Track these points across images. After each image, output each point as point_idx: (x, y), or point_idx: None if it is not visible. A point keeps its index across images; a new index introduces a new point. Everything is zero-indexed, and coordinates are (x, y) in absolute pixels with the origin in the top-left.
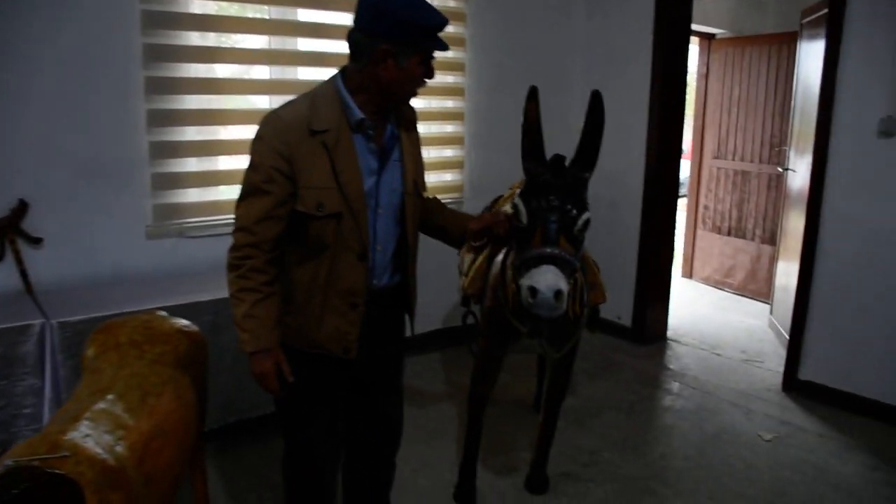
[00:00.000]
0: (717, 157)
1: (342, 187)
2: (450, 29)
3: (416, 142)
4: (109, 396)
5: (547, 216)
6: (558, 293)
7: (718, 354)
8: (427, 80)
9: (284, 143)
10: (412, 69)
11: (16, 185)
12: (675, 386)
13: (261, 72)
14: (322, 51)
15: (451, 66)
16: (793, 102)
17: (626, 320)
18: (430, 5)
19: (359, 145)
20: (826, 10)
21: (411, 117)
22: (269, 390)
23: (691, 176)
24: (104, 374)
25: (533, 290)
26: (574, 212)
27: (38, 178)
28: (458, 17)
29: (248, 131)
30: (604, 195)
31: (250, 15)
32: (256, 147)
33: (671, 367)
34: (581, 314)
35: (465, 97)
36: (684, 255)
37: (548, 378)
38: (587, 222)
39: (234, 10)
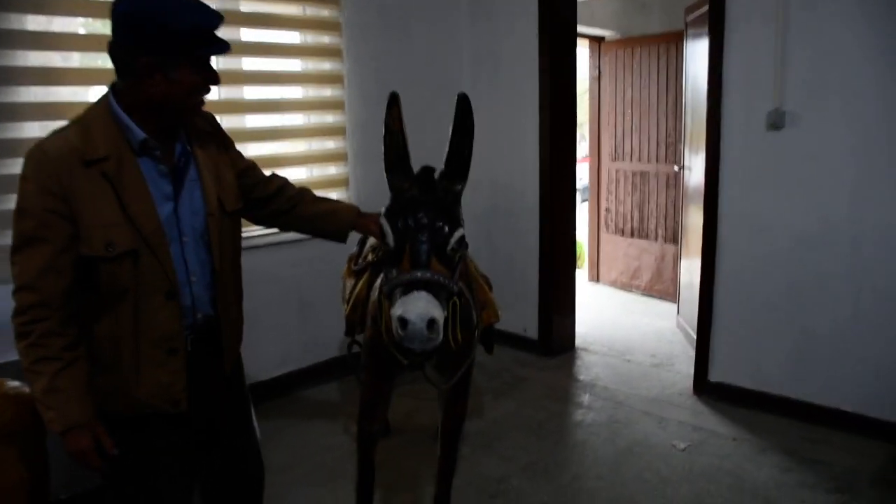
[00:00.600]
0: (615, 160)
1: (133, 221)
2: (325, 39)
3: (215, 154)
4: None
5: (415, 236)
6: (431, 322)
7: (628, 361)
8: (213, 86)
9: (55, 179)
10: (186, 79)
11: None
12: (585, 398)
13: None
14: None
15: (328, 79)
16: (684, 101)
17: (532, 332)
18: (191, 4)
19: (147, 170)
20: (707, 8)
21: (203, 126)
22: (91, 469)
23: (591, 179)
24: None
25: (403, 321)
26: (446, 229)
27: None
28: (333, 26)
29: None
30: (500, 205)
31: None
32: (23, 189)
33: (581, 378)
34: (471, 338)
35: (346, 111)
36: (590, 259)
37: (442, 409)
38: (462, 240)
39: None
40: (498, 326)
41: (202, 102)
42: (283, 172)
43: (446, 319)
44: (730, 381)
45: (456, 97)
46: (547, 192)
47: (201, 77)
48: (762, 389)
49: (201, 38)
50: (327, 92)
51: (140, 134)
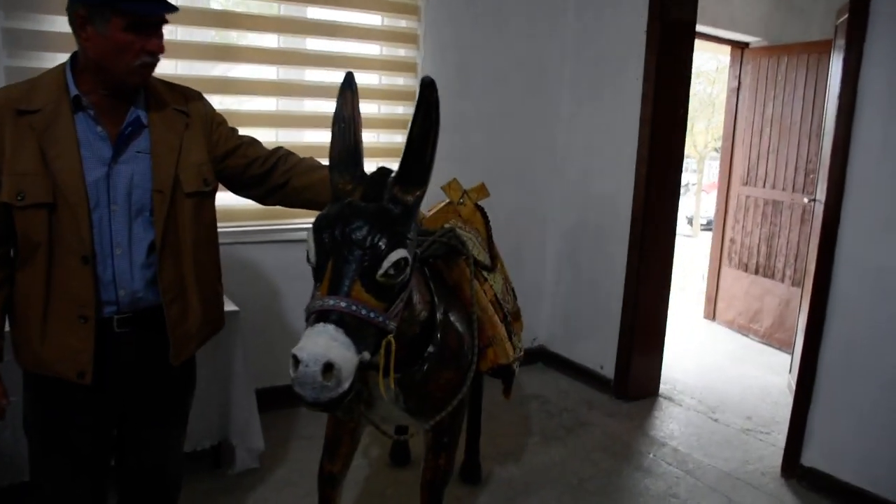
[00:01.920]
0: (746, 184)
1: (55, 175)
2: (401, 23)
3: (184, 131)
4: None
5: (338, 254)
6: (328, 368)
7: (716, 420)
8: (154, 53)
9: None
10: (115, 36)
11: None
12: (647, 458)
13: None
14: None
15: (399, 67)
16: (823, 121)
17: (609, 371)
18: None
19: (83, 129)
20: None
21: (174, 102)
22: None
23: (718, 204)
24: None
25: (295, 361)
26: (380, 248)
27: None
28: (409, 9)
29: None
30: (589, 221)
31: None
32: None
33: (652, 432)
34: (460, 380)
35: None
36: (707, 293)
37: (424, 458)
38: (400, 264)
39: None
40: (573, 359)
41: (145, 69)
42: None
43: (371, 363)
44: (827, 468)
45: (576, 102)
46: (641, 211)
47: (133, 38)
48: (867, 489)
49: None
50: (399, 80)
51: (73, 90)
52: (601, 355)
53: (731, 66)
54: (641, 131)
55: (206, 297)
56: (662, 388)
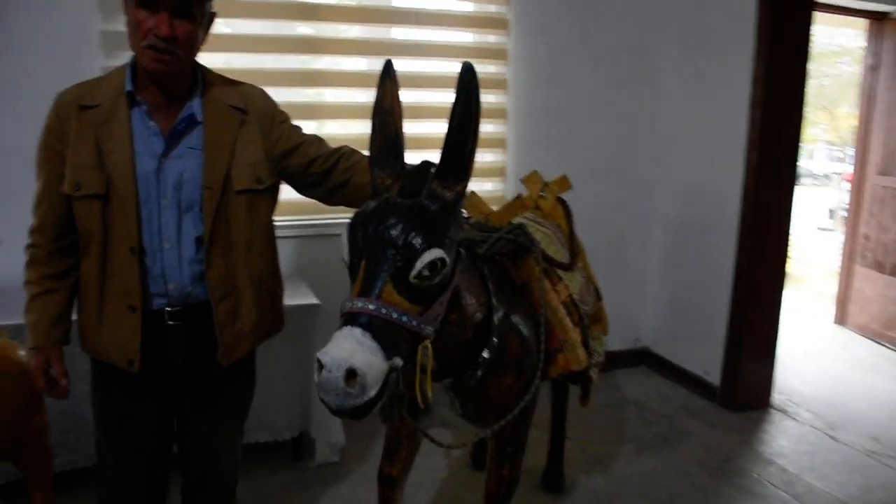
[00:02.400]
0: (883, 174)
1: (108, 168)
2: (490, 8)
3: (240, 128)
4: None
5: (370, 253)
6: (351, 374)
7: (836, 439)
8: (161, 36)
9: (57, 120)
10: (131, 13)
11: None
12: (750, 478)
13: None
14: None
15: (488, 54)
16: None
17: (714, 377)
18: None
19: (137, 124)
20: None
21: (231, 100)
22: (39, 388)
23: (851, 196)
24: None
25: (318, 365)
26: (414, 248)
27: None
28: None
29: None
30: (693, 215)
31: None
32: (43, 126)
33: (760, 448)
34: (524, 386)
35: (509, 91)
36: (838, 295)
37: (487, 467)
38: (434, 266)
39: None
40: (677, 362)
41: (152, 53)
42: (425, 156)
43: (403, 370)
44: None
45: (684, 86)
46: (751, 203)
47: (145, 16)
48: None
49: None
50: (490, 68)
51: (128, 86)
52: (707, 360)
53: (868, 41)
54: (752, 115)
55: (260, 298)
56: (776, 398)
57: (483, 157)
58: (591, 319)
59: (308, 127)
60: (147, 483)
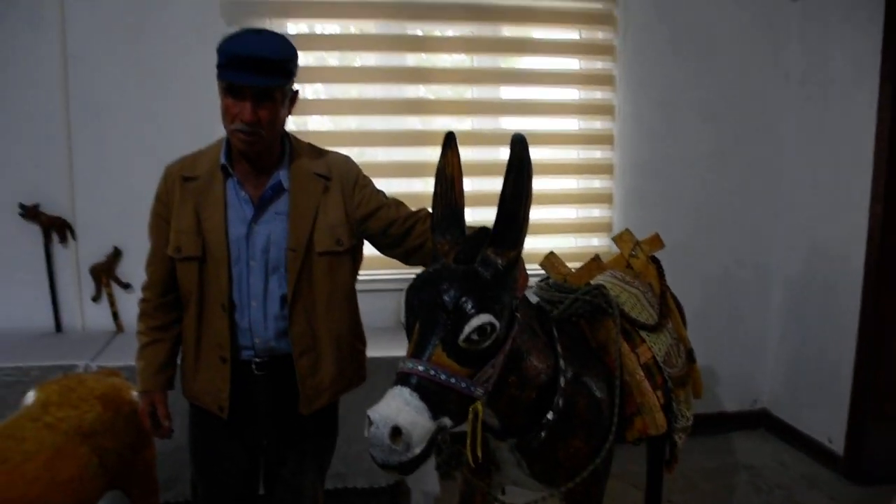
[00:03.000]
0: None
1: (204, 233)
2: (597, 65)
3: (323, 195)
4: None
5: (422, 317)
6: (396, 432)
7: None
8: (245, 121)
9: (165, 190)
10: (223, 100)
11: (112, 234)
12: None
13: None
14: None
15: (595, 110)
16: None
17: (838, 445)
18: (252, 34)
19: (231, 193)
20: None
21: (316, 168)
22: (146, 429)
23: None
24: None
25: (368, 422)
26: (464, 313)
27: (129, 228)
28: (604, 50)
29: None
30: (816, 274)
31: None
32: (155, 195)
33: None
34: (595, 450)
35: (615, 147)
36: None
37: None
38: (483, 330)
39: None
40: (798, 427)
41: (241, 135)
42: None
43: (450, 431)
44: None
45: (802, 138)
46: (877, 260)
47: (230, 103)
48: None
49: (230, 62)
50: (596, 124)
51: (222, 159)
52: (830, 426)
53: None
54: (877, 165)
55: (341, 353)
56: None
57: (590, 212)
58: (676, 382)
59: (416, 185)
60: None
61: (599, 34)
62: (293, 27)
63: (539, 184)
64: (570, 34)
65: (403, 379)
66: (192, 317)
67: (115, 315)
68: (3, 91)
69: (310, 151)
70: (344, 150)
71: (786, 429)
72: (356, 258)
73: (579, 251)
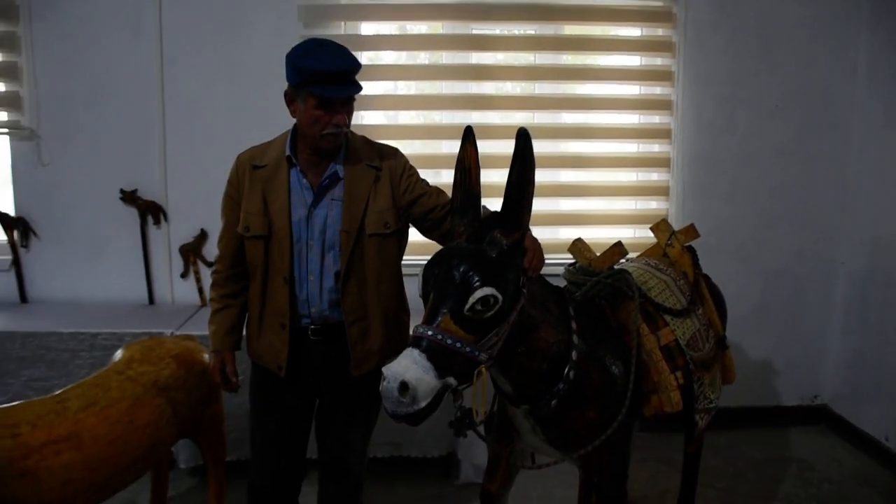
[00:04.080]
0: None
1: (270, 214)
2: (657, 61)
3: (373, 183)
4: (59, 397)
5: (434, 289)
6: (404, 387)
7: None
8: (339, 125)
9: (237, 175)
10: (310, 111)
11: (199, 217)
12: None
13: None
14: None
15: (653, 105)
16: None
17: (895, 443)
18: (327, 51)
19: (294, 180)
20: None
21: (369, 159)
22: (216, 384)
23: None
24: (86, 378)
25: (382, 376)
26: (468, 285)
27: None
28: (665, 47)
29: None
30: (881, 269)
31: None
32: (227, 180)
33: None
34: (608, 418)
35: (673, 141)
36: None
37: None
38: (486, 301)
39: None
40: (857, 424)
41: (332, 137)
42: (584, 203)
43: (455, 390)
44: None
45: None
46: None
47: (322, 113)
48: None
49: (319, 79)
50: (655, 119)
51: (288, 151)
52: (888, 423)
53: None
54: None
55: (387, 323)
56: None
57: (648, 204)
58: (700, 365)
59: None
60: (284, 461)
61: (659, 31)
62: (366, 28)
63: (599, 176)
64: (630, 31)
65: (415, 342)
66: (257, 287)
67: (200, 290)
68: (107, 89)
69: (363, 144)
70: (411, 143)
71: (845, 425)
72: (402, 240)
73: (637, 242)
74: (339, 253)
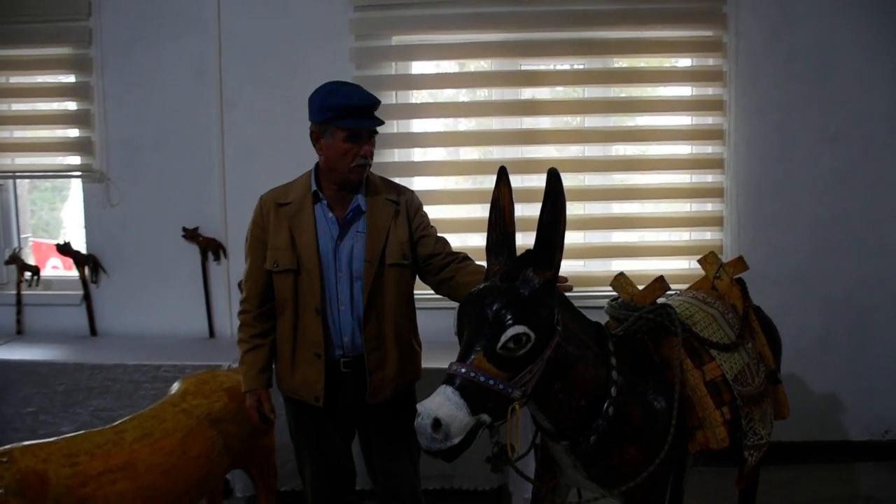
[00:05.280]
0: None
1: (298, 249)
2: (708, 91)
3: (392, 218)
4: (117, 428)
5: (468, 327)
6: (437, 423)
7: None
8: (366, 156)
9: (262, 215)
10: (338, 145)
11: None
12: None
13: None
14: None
15: (705, 135)
16: None
17: None
18: (350, 89)
19: (320, 215)
20: None
21: (389, 196)
22: (253, 421)
23: None
24: (144, 410)
25: (417, 413)
26: (500, 322)
27: None
28: (716, 76)
29: None
30: None
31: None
32: (251, 221)
33: None
34: (650, 456)
35: (727, 170)
36: None
37: None
38: (519, 339)
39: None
40: None
41: (360, 168)
42: (637, 235)
43: (491, 426)
44: None
45: None
46: None
47: (350, 146)
48: None
49: (346, 113)
50: (708, 149)
51: (313, 186)
52: None
53: None
54: None
55: (402, 351)
56: None
57: (703, 235)
58: (748, 401)
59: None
60: (337, 490)
61: (710, 60)
62: (417, 67)
63: (652, 208)
64: (681, 62)
65: (449, 379)
66: (287, 321)
67: None
68: (171, 133)
69: (381, 181)
70: (462, 178)
71: None
72: (415, 273)
73: (691, 274)
74: (364, 283)
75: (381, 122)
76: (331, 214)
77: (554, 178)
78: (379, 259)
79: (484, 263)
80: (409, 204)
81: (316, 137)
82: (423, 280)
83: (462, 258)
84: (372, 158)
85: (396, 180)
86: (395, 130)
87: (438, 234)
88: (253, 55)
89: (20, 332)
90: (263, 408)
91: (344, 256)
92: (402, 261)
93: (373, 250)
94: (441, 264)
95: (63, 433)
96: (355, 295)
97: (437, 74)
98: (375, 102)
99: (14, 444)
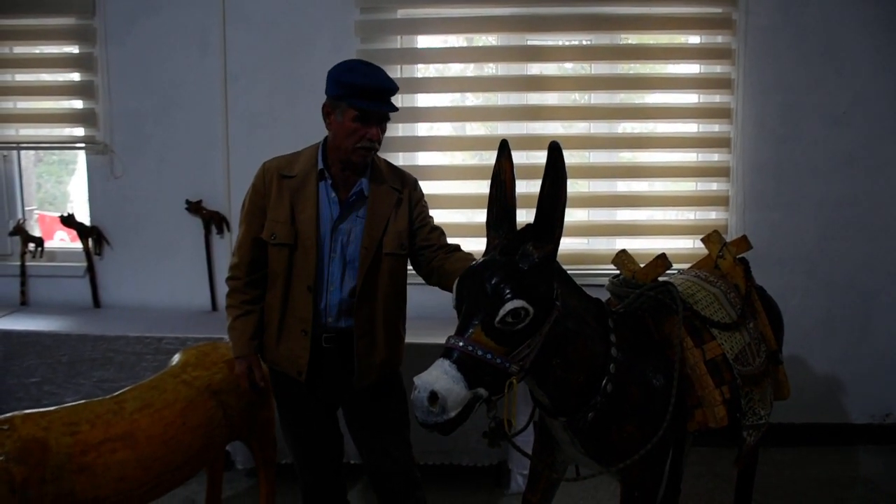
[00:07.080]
0: None
1: (297, 224)
2: (716, 69)
3: (394, 207)
4: (117, 398)
5: (466, 301)
6: (433, 396)
7: None
8: (372, 140)
9: (263, 184)
10: (347, 124)
11: None
12: None
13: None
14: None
15: (712, 114)
16: None
17: None
18: (371, 69)
19: (323, 193)
20: None
21: (394, 185)
22: (243, 388)
23: None
24: (144, 381)
25: (413, 386)
26: (499, 298)
27: None
28: (724, 53)
29: None
30: None
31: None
32: (250, 187)
33: None
34: (648, 432)
35: (733, 150)
36: None
37: None
38: (517, 313)
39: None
40: None
41: (363, 151)
42: (641, 213)
43: (489, 400)
44: None
45: None
46: None
47: (359, 126)
48: None
49: (360, 93)
50: (714, 127)
51: (319, 164)
52: None
53: None
54: None
55: (389, 337)
56: None
57: (707, 215)
58: (748, 380)
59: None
60: (321, 460)
61: (718, 38)
62: (422, 42)
63: (658, 186)
64: (689, 39)
65: (446, 353)
66: (277, 294)
67: None
68: (174, 106)
69: (387, 167)
70: (467, 154)
71: None
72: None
73: (695, 253)
74: (358, 268)
75: (395, 109)
76: (333, 195)
77: (555, 151)
78: (376, 247)
79: (479, 249)
80: (411, 194)
81: (327, 112)
82: (416, 270)
83: (455, 248)
84: (379, 144)
85: (401, 155)
86: (400, 105)
87: (435, 224)
88: (257, 27)
89: (24, 303)
90: (254, 375)
91: (340, 239)
92: (398, 251)
93: (371, 237)
94: (432, 255)
95: (66, 403)
96: (346, 278)
97: (443, 49)
98: (393, 88)
99: (15, 412)
